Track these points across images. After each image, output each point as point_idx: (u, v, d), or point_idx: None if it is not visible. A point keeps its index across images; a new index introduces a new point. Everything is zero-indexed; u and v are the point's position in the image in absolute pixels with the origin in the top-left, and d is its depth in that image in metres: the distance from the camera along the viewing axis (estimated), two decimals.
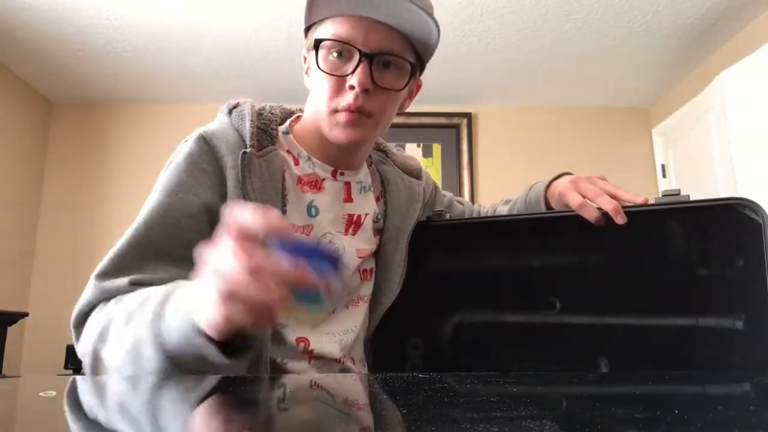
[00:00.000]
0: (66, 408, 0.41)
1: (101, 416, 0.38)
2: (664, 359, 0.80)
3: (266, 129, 0.81)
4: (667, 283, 0.82)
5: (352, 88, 0.74)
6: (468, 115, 3.25)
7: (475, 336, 0.92)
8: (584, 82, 3.00)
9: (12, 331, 2.39)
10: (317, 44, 0.76)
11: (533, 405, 0.39)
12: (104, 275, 0.69)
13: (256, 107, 0.85)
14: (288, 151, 0.84)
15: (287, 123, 0.87)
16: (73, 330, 0.70)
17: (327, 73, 0.76)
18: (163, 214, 0.72)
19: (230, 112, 0.83)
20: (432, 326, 0.93)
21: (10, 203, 2.83)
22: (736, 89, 2.30)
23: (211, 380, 0.52)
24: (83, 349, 0.66)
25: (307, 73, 0.85)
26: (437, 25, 0.76)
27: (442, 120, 3.24)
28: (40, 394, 0.43)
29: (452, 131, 3.24)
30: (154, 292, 0.61)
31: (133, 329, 0.59)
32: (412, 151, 3.20)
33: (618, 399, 0.45)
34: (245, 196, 0.73)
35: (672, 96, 3.05)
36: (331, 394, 0.47)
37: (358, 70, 0.74)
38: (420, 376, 0.52)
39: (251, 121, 0.80)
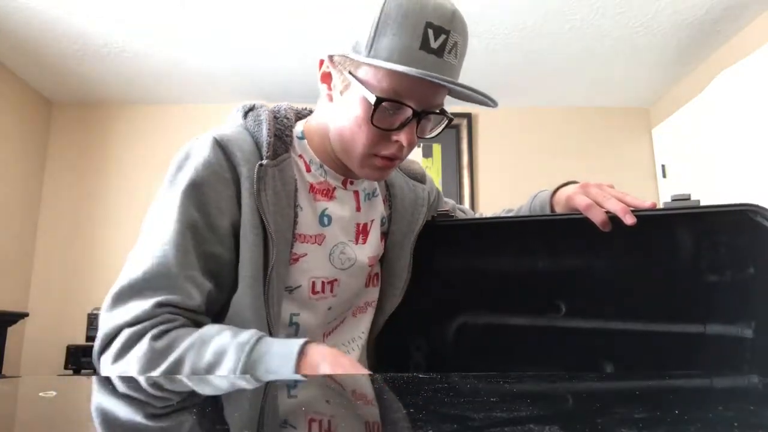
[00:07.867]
0: (66, 408, 0.41)
1: (101, 416, 0.38)
2: (670, 366, 0.79)
3: (281, 136, 0.79)
4: (675, 288, 0.80)
5: (397, 141, 0.74)
6: (468, 115, 3.25)
7: (480, 338, 0.91)
8: (584, 82, 3.00)
9: (12, 331, 2.39)
10: (378, 101, 0.70)
11: (533, 405, 0.39)
12: (125, 296, 0.67)
13: (272, 111, 0.82)
14: (300, 156, 0.82)
15: (302, 127, 0.85)
16: (97, 357, 0.66)
17: (379, 128, 0.73)
18: (192, 232, 0.70)
19: (246, 114, 0.81)
20: (436, 327, 0.92)
21: (10, 203, 2.83)
22: (736, 89, 2.30)
23: (204, 382, 0.52)
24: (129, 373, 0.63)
25: (324, 80, 0.78)
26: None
27: None
28: (40, 394, 0.43)
29: (452, 131, 3.24)
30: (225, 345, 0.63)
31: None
32: (412, 151, 3.20)
33: (618, 399, 0.45)
34: (260, 207, 0.73)
35: (672, 96, 3.04)
36: (332, 393, 0.47)
37: (408, 128, 0.73)
38: (420, 376, 0.52)
39: (268, 129, 0.77)
